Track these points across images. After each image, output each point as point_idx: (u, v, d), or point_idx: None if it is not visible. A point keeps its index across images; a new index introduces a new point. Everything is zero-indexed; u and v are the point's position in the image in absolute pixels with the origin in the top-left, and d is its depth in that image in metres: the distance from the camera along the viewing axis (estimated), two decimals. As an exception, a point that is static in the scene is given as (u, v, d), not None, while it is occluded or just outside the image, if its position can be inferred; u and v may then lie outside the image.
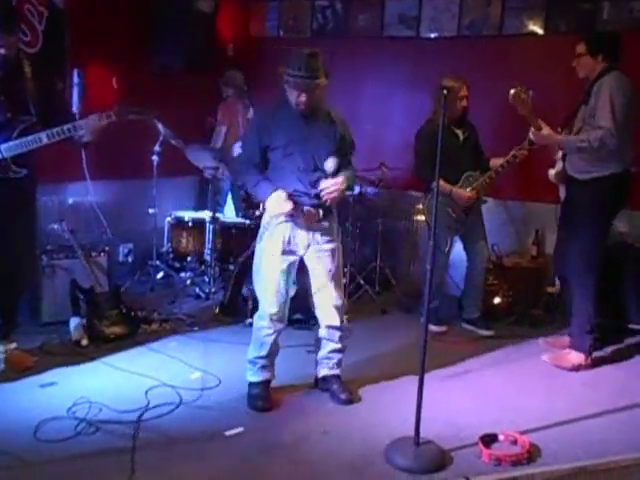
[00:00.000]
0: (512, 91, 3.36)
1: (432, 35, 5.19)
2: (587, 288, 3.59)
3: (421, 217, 4.86)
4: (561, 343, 3.90)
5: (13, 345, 3.35)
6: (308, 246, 3.01)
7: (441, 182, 3.91)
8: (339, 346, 3.16)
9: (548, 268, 4.72)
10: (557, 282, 4.56)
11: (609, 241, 3.83)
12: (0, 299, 3.26)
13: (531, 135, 3.60)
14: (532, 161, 4.18)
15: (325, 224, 3.03)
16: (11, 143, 3.01)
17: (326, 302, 3.09)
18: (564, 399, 3.29)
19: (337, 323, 3.11)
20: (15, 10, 3.80)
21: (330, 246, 3.05)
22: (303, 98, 2.84)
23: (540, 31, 4.85)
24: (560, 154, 3.75)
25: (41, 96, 3.20)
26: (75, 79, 4.48)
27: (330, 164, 2.84)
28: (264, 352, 3.07)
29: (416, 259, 5.18)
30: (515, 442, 2.76)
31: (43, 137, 3.05)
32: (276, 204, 2.88)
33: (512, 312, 4.48)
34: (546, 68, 4.75)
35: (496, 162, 4.10)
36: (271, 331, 3.04)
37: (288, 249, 2.99)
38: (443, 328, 4.28)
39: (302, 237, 2.99)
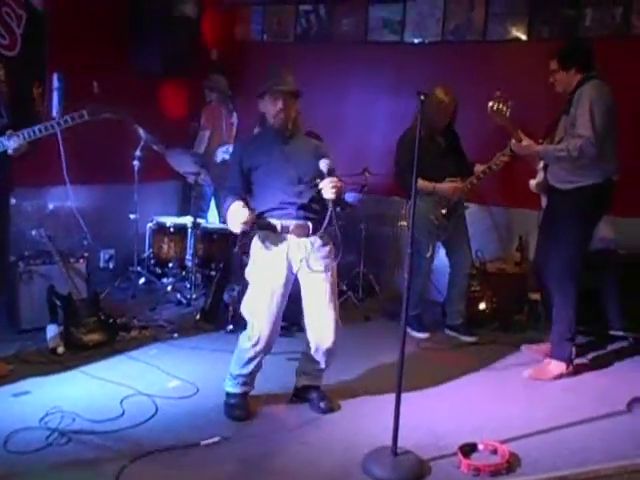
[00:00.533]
0: (490, 104, 3.36)
1: (416, 40, 5.18)
2: (567, 295, 3.57)
3: (404, 223, 4.85)
4: (544, 350, 3.88)
5: (-14, 353, 3.29)
6: (300, 261, 2.88)
7: (422, 181, 3.92)
8: (324, 363, 3.05)
9: (532, 274, 4.72)
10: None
11: (592, 247, 3.82)
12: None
13: (512, 146, 3.60)
14: (516, 167, 4.19)
15: (316, 240, 2.90)
16: None
17: (320, 322, 2.94)
18: (545, 407, 3.27)
19: (330, 345, 2.96)
20: None
21: (324, 262, 2.92)
22: (280, 106, 2.83)
23: (523, 37, 4.86)
24: (541, 164, 3.75)
25: (14, 100, 3.14)
26: (55, 83, 4.42)
27: (323, 164, 2.78)
28: (246, 371, 2.99)
29: (400, 265, 5.15)
30: (495, 451, 2.73)
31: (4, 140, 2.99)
32: (233, 214, 2.72)
33: (496, 318, 4.47)
34: (529, 74, 4.74)
35: (479, 168, 4.09)
36: (258, 353, 2.93)
37: (281, 271, 2.88)
38: (426, 335, 4.26)
39: (293, 254, 2.88)
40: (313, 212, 2.90)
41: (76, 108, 3.16)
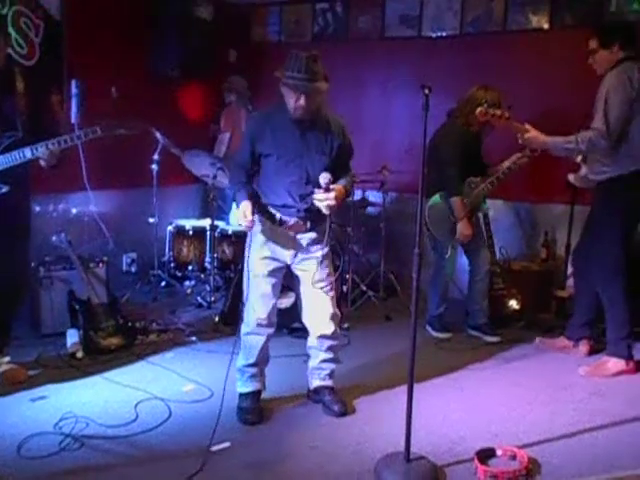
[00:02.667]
0: (478, 110, 3.26)
1: (434, 34, 5.08)
2: (614, 292, 3.46)
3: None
4: (558, 344, 3.83)
5: (6, 359, 3.33)
6: (295, 255, 2.93)
7: (459, 202, 3.88)
8: (330, 356, 3.07)
9: (559, 271, 4.57)
10: (568, 284, 4.42)
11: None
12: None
13: (520, 140, 3.46)
14: (541, 162, 4.05)
15: (314, 234, 2.93)
16: None
17: (316, 310, 2.99)
18: (569, 409, 3.14)
19: (328, 332, 3.01)
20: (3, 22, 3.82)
21: (319, 254, 2.95)
22: (302, 102, 2.72)
23: (546, 25, 4.72)
24: (580, 157, 3.61)
25: (32, 111, 3.18)
26: (73, 90, 4.47)
27: (323, 179, 2.74)
28: (252, 359, 2.99)
29: (422, 264, 5.03)
30: (514, 457, 2.64)
31: (27, 153, 2.99)
32: (240, 215, 2.78)
33: (521, 317, 4.33)
34: (553, 64, 4.61)
35: (501, 166, 3.97)
36: (259, 337, 2.97)
37: (274, 256, 2.92)
38: (447, 335, 4.16)
39: (289, 245, 2.91)
40: (313, 213, 2.88)
41: (91, 124, 3.19)
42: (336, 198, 2.74)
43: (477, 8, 4.89)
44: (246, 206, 2.77)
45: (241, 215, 2.77)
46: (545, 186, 4.59)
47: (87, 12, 4.61)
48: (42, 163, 3.08)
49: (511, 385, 3.44)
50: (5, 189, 3.04)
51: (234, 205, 5.43)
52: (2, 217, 3.09)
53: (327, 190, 2.73)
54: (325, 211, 2.77)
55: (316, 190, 2.76)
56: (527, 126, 3.40)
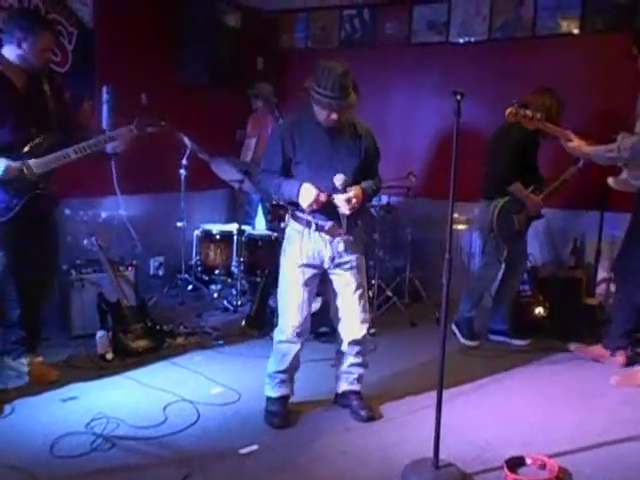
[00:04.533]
0: (507, 111, 3.22)
1: (462, 40, 5.07)
2: None
3: (461, 226, 4.74)
4: (594, 353, 3.79)
5: (39, 359, 3.39)
6: (332, 259, 2.93)
7: (519, 185, 3.88)
8: (359, 360, 3.08)
9: (588, 279, 4.51)
10: (598, 292, 4.36)
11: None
12: (25, 313, 3.29)
13: (563, 145, 3.45)
14: (567, 167, 4.03)
15: (349, 238, 2.93)
16: (40, 160, 3.03)
17: (349, 316, 3.00)
18: (600, 418, 3.10)
19: (358, 337, 3.02)
20: None
21: (354, 258, 2.96)
22: (334, 117, 2.77)
23: (576, 31, 4.67)
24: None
25: (65, 116, 3.25)
26: (104, 96, 4.55)
27: (337, 181, 2.76)
28: (283, 366, 3.01)
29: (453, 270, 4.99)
30: (544, 466, 2.60)
31: (71, 152, 3.06)
32: (308, 195, 2.76)
33: (547, 324, 4.28)
34: (584, 70, 4.57)
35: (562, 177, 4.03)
36: (292, 345, 2.97)
37: (310, 262, 2.92)
38: (475, 343, 4.13)
39: (325, 250, 2.91)
40: (347, 216, 2.87)
41: (126, 123, 3.28)
42: (356, 197, 2.76)
43: (506, 13, 4.87)
44: (308, 187, 2.75)
45: (311, 195, 2.74)
46: (574, 192, 4.53)
47: (118, 20, 4.69)
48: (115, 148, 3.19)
49: (540, 393, 3.40)
50: (48, 188, 3.10)
51: (260, 210, 5.49)
52: (41, 217, 3.17)
53: (343, 191, 2.75)
54: (344, 211, 2.77)
55: (333, 197, 2.79)
56: (570, 134, 3.38)
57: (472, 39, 5.02)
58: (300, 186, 2.78)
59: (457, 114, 2.35)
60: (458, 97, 2.34)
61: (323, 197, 2.77)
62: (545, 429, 2.97)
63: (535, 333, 4.21)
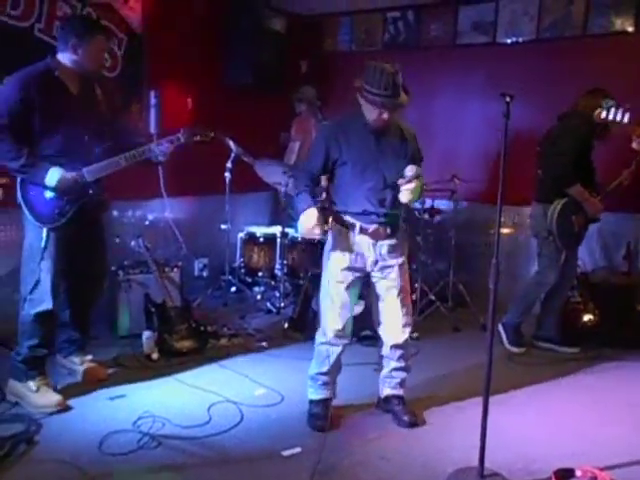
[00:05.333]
0: (597, 112, 3.17)
1: (509, 40, 4.98)
2: None
3: (506, 230, 4.64)
4: None
5: (89, 357, 3.48)
6: (375, 262, 2.92)
7: (580, 188, 3.81)
8: (401, 365, 3.05)
9: (641, 284, 4.36)
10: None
11: None
12: (76, 314, 3.38)
13: (634, 144, 3.37)
14: (623, 168, 3.91)
15: (393, 241, 2.93)
16: (93, 167, 3.09)
17: (391, 320, 2.99)
18: (655, 431, 2.99)
19: (400, 341, 3.00)
20: None
21: (398, 261, 2.95)
22: (385, 116, 2.77)
23: (630, 29, 4.54)
24: None
25: (114, 119, 3.33)
26: (152, 100, 4.63)
27: (410, 172, 2.74)
28: (325, 368, 3.01)
29: (510, 274, 4.88)
30: (594, 479, 2.52)
31: (121, 161, 3.14)
32: (306, 223, 2.75)
33: (597, 332, 4.15)
34: (638, 70, 4.42)
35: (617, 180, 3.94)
36: (334, 347, 2.97)
37: (353, 265, 2.92)
38: (521, 349, 4.05)
39: (369, 253, 2.91)
40: (392, 217, 2.88)
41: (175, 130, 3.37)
42: (416, 188, 2.75)
43: (555, 12, 4.76)
44: (312, 214, 2.73)
45: (309, 224, 2.73)
46: (627, 194, 4.39)
47: (166, 26, 4.79)
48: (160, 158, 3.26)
49: (590, 402, 3.31)
50: (98, 193, 3.18)
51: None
52: (91, 220, 3.25)
53: (410, 181, 2.74)
54: (405, 200, 2.76)
55: (401, 181, 2.77)
56: None
57: (520, 39, 4.93)
58: (308, 207, 2.76)
59: (506, 116, 2.31)
60: (507, 99, 2.30)
61: (318, 231, 2.73)
62: (594, 440, 2.88)
63: (584, 341, 4.09)
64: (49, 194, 3.00)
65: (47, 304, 3.03)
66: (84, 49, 3.02)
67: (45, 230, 3.00)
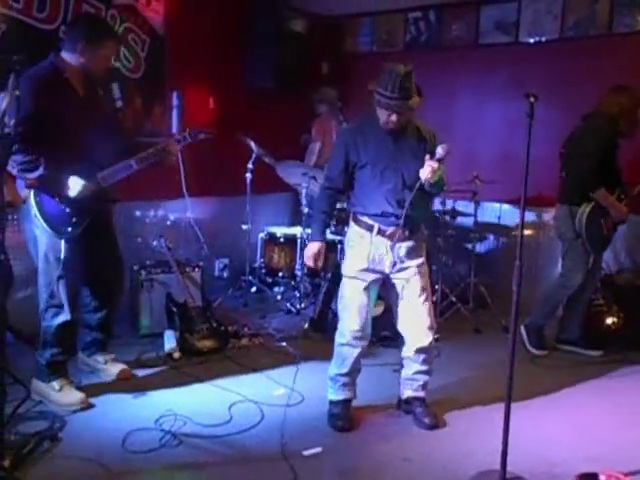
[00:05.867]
0: None
1: (532, 40, 4.93)
2: None
3: (528, 232, 4.59)
4: None
5: (111, 356, 3.52)
6: (394, 264, 2.92)
7: (604, 192, 3.77)
8: (425, 368, 3.04)
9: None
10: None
11: None
12: (102, 317, 3.39)
13: None
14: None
15: (411, 243, 2.93)
16: (107, 172, 3.06)
17: (413, 322, 2.97)
18: (680, 436, 2.94)
19: (425, 344, 2.98)
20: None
21: (416, 263, 2.94)
22: (393, 118, 2.78)
23: (656, 27, 4.47)
24: None
25: (137, 121, 3.36)
26: (174, 101, 4.69)
27: (442, 149, 2.71)
28: (345, 369, 3.01)
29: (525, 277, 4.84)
30: (618, 483, 2.49)
31: (133, 164, 3.10)
32: (308, 253, 2.98)
33: (621, 335, 4.09)
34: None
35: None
36: (353, 349, 2.98)
37: (372, 267, 2.92)
38: (544, 352, 4.00)
39: (387, 255, 2.91)
40: (411, 218, 2.86)
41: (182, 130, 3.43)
42: (438, 169, 2.70)
43: (579, 11, 4.70)
44: (315, 248, 2.95)
45: (309, 255, 2.96)
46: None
47: (188, 27, 4.83)
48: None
49: (613, 406, 3.27)
50: (111, 196, 3.19)
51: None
52: (107, 222, 3.27)
53: (439, 161, 2.70)
54: (422, 175, 2.70)
55: (427, 155, 2.74)
56: None
57: (543, 39, 4.88)
58: (315, 240, 2.97)
59: (530, 116, 2.29)
60: (531, 99, 2.27)
61: (314, 265, 2.98)
62: (617, 444, 2.84)
63: (607, 344, 4.04)
64: (65, 204, 2.91)
65: (65, 315, 3.02)
66: (91, 54, 2.98)
67: (63, 242, 2.92)
